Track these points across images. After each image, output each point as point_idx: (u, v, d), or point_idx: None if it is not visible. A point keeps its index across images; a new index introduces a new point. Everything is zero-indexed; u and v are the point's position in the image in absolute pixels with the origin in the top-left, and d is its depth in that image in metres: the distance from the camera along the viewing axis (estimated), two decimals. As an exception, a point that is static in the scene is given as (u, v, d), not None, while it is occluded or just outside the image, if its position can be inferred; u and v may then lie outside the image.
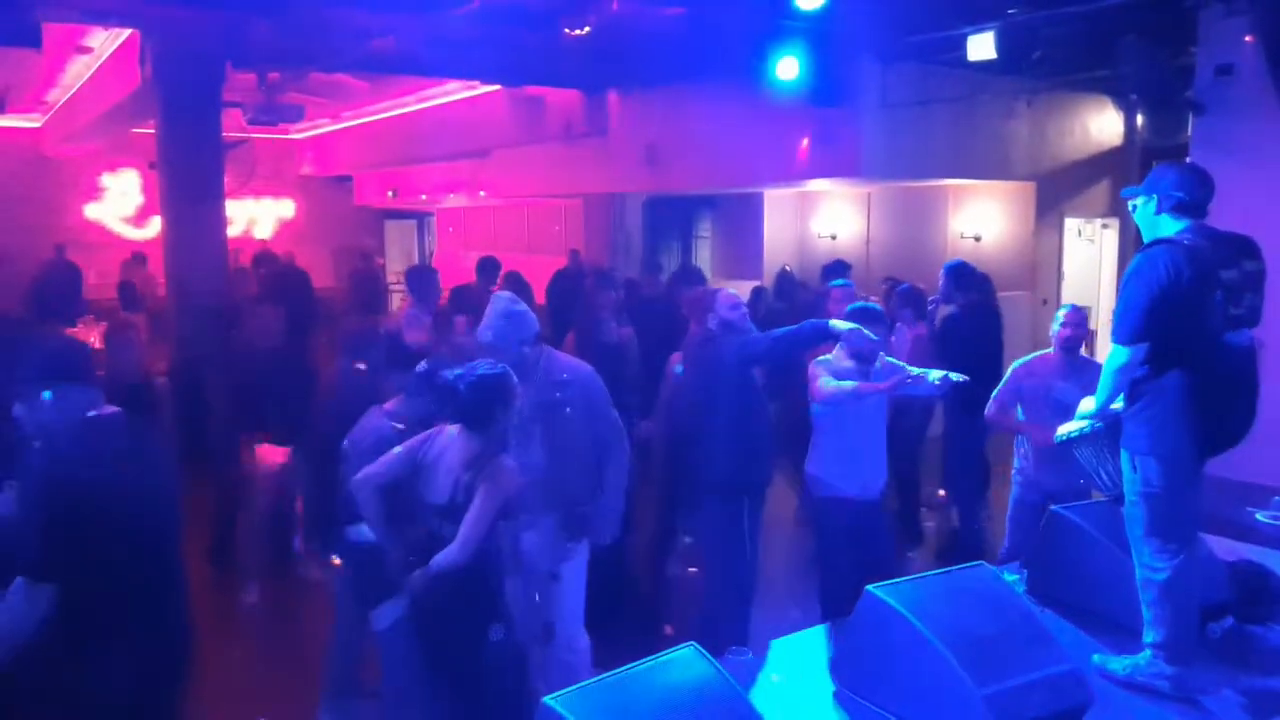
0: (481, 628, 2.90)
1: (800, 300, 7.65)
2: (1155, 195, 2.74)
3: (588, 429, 3.53)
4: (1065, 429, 3.09)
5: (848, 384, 3.86)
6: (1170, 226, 2.71)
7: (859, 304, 4.30)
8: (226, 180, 8.70)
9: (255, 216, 17.48)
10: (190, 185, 7.96)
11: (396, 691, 3.44)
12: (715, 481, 4.02)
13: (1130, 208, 2.87)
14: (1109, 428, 2.88)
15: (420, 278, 6.14)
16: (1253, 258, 2.69)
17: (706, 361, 4.24)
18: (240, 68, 8.45)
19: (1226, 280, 2.60)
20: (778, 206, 12.43)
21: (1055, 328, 4.27)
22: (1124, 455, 2.77)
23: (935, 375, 3.87)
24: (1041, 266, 10.38)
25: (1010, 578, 3.18)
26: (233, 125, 9.46)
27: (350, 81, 11.17)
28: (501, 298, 3.54)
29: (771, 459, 4.22)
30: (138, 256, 11.65)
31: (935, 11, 6.83)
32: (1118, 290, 2.72)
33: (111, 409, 2.60)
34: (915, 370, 3.99)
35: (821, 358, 4.13)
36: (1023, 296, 10.09)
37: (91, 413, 2.55)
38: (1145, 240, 2.78)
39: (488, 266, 6.99)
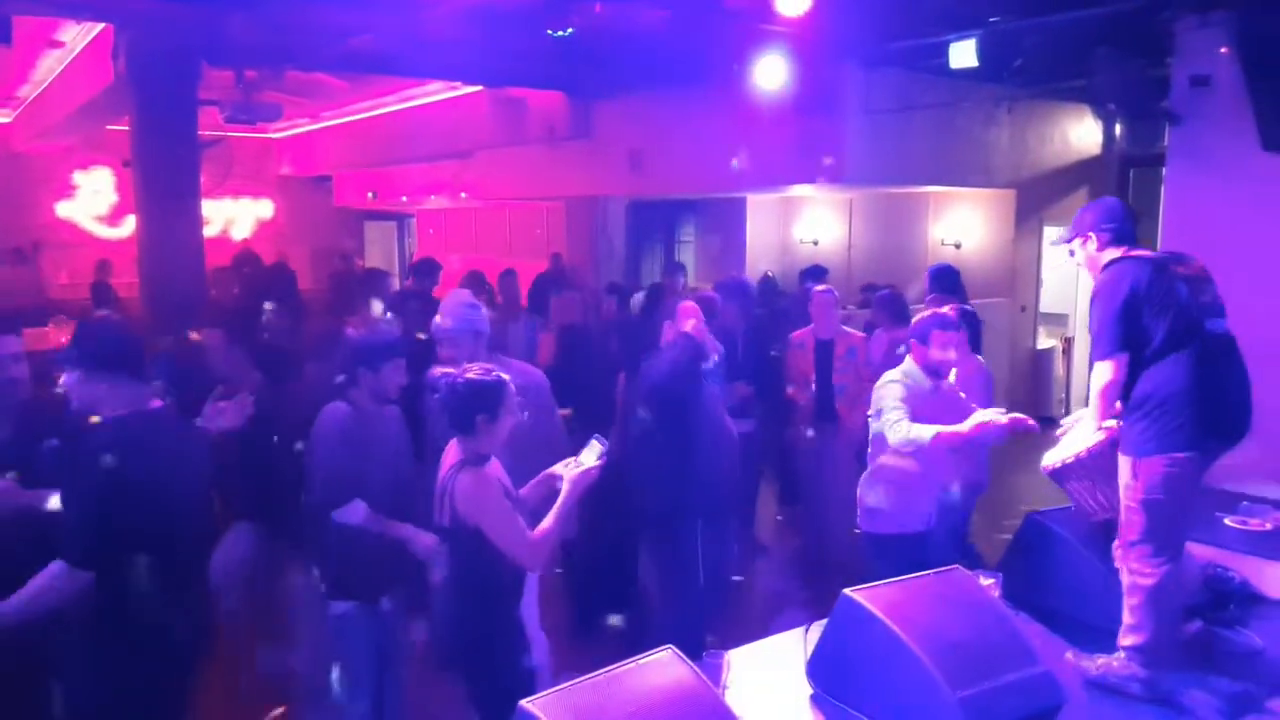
0: (515, 657, 2.90)
1: (780, 306, 7.68)
2: (1091, 234, 2.89)
3: (542, 434, 3.60)
4: (1052, 459, 2.97)
5: (926, 431, 3.41)
6: (1111, 256, 2.84)
7: (934, 313, 3.79)
8: (203, 179, 8.61)
9: (233, 216, 17.33)
10: (165, 184, 7.86)
11: (349, 682, 3.41)
12: (652, 507, 4.01)
13: (1069, 254, 3.00)
14: (1098, 452, 2.87)
15: (372, 282, 6.22)
16: (1193, 259, 2.82)
17: (638, 380, 4.20)
18: (216, 65, 8.36)
19: (1183, 274, 2.72)
20: (760, 211, 12.46)
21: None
22: (1124, 464, 2.77)
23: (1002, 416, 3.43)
24: (1021, 273, 10.48)
25: (986, 581, 3.18)
26: (210, 123, 9.38)
27: (330, 81, 11.09)
28: (460, 293, 3.65)
29: (720, 483, 4.01)
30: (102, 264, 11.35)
31: (917, 18, 6.87)
32: (1090, 309, 2.81)
33: (159, 404, 2.66)
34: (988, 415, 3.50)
35: (891, 375, 3.70)
36: (1002, 303, 10.18)
37: (147, 405, 2.60)
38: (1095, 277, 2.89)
39: (424, 268, 7.02)
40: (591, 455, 2.93)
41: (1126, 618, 2.77)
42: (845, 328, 5.67)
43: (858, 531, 3.85)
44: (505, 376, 2.93)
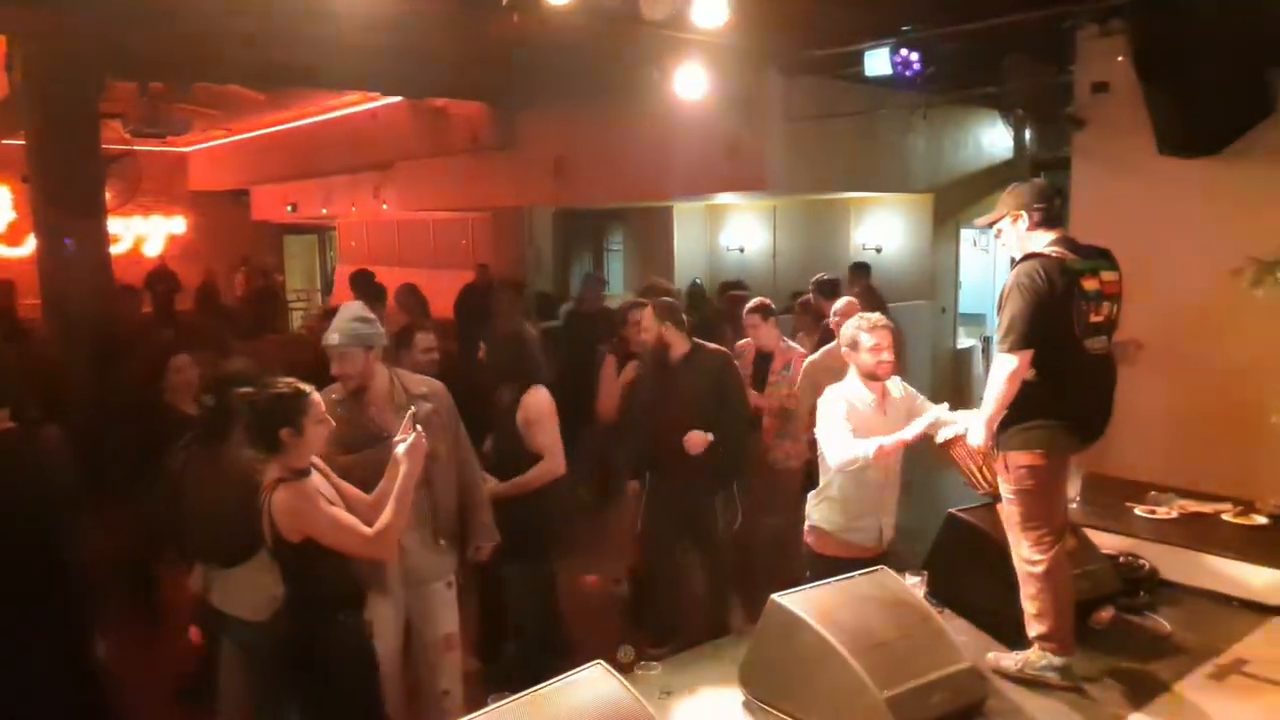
0: (351, 662, 2.96)
1: (708, 313, 7.74)
2: (1022, 213, 2.91)
3: (451, 441, 3.59)
4: (945, 433, 3.13)
5: (868, 445, 3.28)
6: (1039, 240, 2.86)
7: (856, 317, 3.63)
8: (109, 195, 8.29)
9: (144, 233, 16.74)
10: (67, 200, 7.53)
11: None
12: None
13: (995, 233, 3.03)
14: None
15: None
16: (1112, 268, 2.85)
17: None
18: (120, 77, 8.07)
19: (1089, 291, 2.75)
20: (687, 220, 12.54)
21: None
22: (998, 456, 2.88)
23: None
24: (940, 276, 10.73)
25: (912, 580, 3.23)
26: (115, 137, 9.03)
27: (243, 93, 10.80)
28: (352, 306, 3.55)
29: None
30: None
31: (835, 27, 6.98)
32: (1000, 302, 2.83)
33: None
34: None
35: (834, 389, 3.55)
36: (923, 305, 10.42)
37: None
38: (1017, 257, 2.92)
39: (359, 281, 7.40)
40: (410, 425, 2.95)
41: (1028, 608, 2.86)
42: (789, 343, 5.49)
43: (806, 546, 3.81)
44: (307, 388, 2.88)
